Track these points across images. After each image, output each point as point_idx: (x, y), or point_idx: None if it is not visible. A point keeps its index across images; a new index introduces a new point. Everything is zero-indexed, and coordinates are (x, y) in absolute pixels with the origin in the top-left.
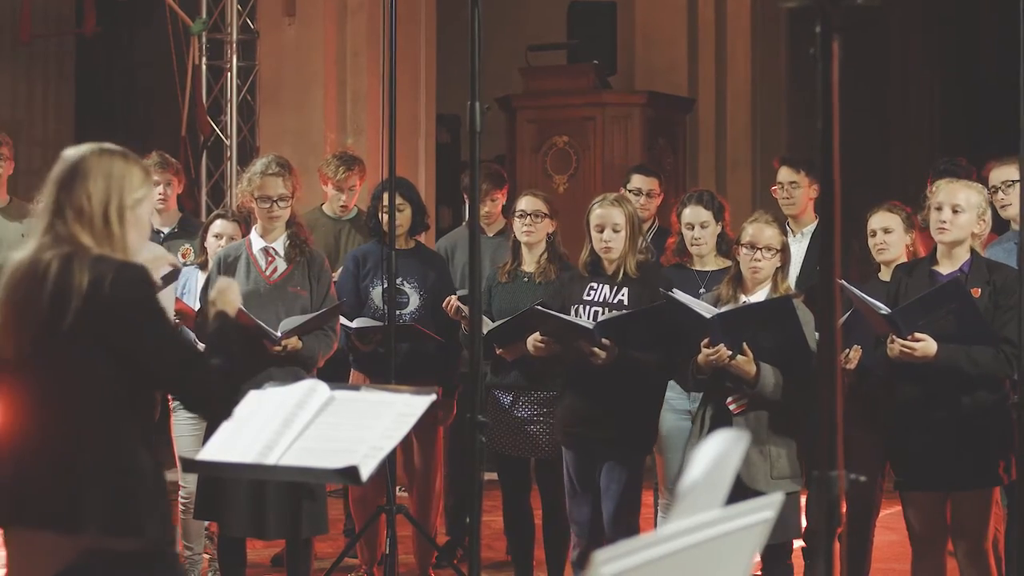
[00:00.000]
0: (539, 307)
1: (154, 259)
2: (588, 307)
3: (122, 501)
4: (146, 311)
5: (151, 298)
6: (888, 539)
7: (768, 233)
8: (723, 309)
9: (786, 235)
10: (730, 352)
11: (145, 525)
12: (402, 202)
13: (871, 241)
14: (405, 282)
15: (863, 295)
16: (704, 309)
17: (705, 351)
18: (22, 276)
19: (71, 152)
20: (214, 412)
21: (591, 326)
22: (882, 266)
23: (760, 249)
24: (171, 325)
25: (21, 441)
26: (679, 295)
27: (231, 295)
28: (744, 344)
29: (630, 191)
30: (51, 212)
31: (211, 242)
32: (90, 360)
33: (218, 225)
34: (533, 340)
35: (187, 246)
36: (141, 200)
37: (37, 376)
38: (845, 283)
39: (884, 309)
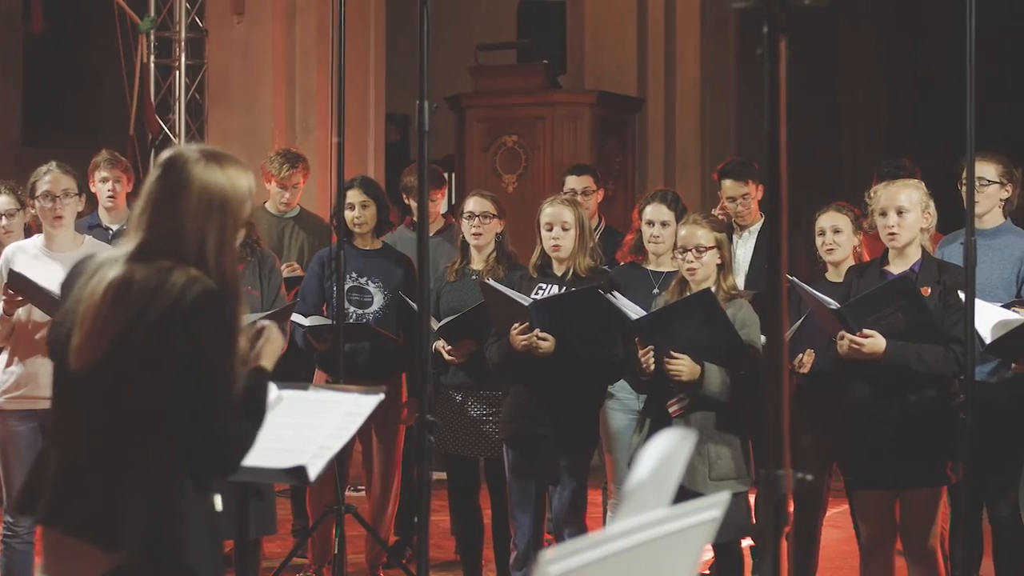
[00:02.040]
0: (486, 281)
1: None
2: None
3: (163, 526)
4: (214, 345)
5: (226, 333)
6: (835, 538)
7: (699, 233)
8: (647, 312)
9: (723, 232)
10: (654, 360)
11: (185, 553)
12: (367, 199)
13: (819, 240)
14: (370, 281)
15: (812, 291)
16: (633, 311)
17: (640, 353)
18: (112, 292)
19: (168, 158)
20: (222, 468)
21: (528, 303)
22: (829, 266)
23: (690, 251)
24: (232, 369)
25: (71, 447)
26: (614, 297)
27: (275, 348)
28: (675, 348)
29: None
30: (143, 231)
31: None
32: (152, 378)
33: None
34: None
35: None
36: (242, 225)
37: (98, 387)
38: (795, 280)
39: (833, 304)
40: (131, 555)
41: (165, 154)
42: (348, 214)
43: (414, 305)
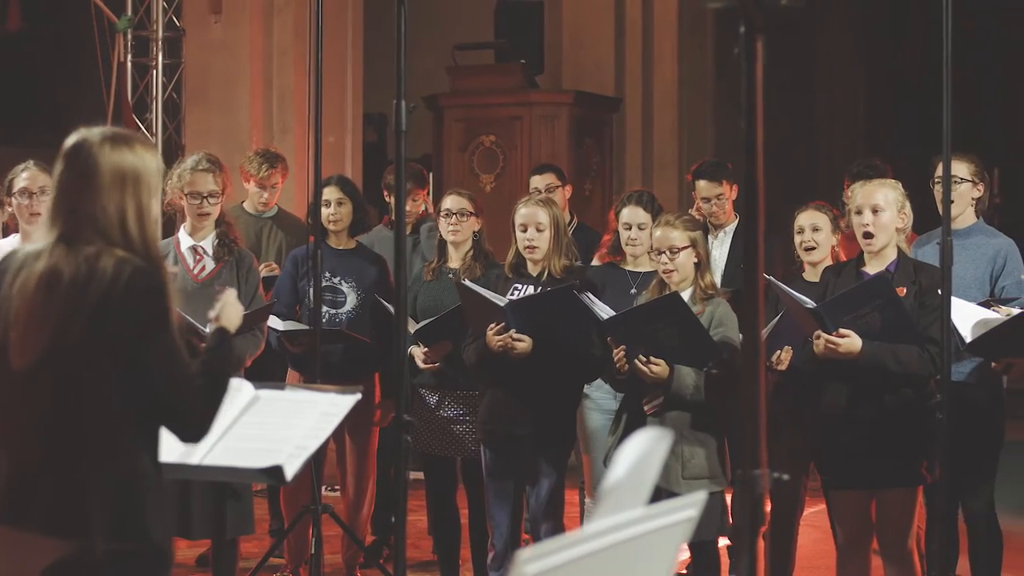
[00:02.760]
0: (462, 282)
1: None
2: None
3: (128, 508)
4: (156, 322)
5: (163, 308)
6: (812, 537)
7: (672, 235)
8: (617, 312)
9: (697, 230)
10: (626, 357)
11: (150, 530)
12: (343, 197)
13: (798, 238)
14: (343, 281)
15: (789, 290)
16: (604, 311)
17: (615, 352)
18: (42, 286)
19: (73, 146)
20: (194, 436)
21: (503, 304)
22: (807, 266)
23: (664, 252)
24: (177, 341)
25: (21, 447)
26: (585, 297)
27: (234, 312)
28: (648, 348)
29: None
30: (61, 220)
31: None
32: (98, 366)
33: None
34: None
35: None
36: (156, 194)
37: (44, 384)
38: (772, 279)
39: (809, 303)
40: (96, 540)
41: (69, 142)
42: (323, 211)
43: (389, 307)
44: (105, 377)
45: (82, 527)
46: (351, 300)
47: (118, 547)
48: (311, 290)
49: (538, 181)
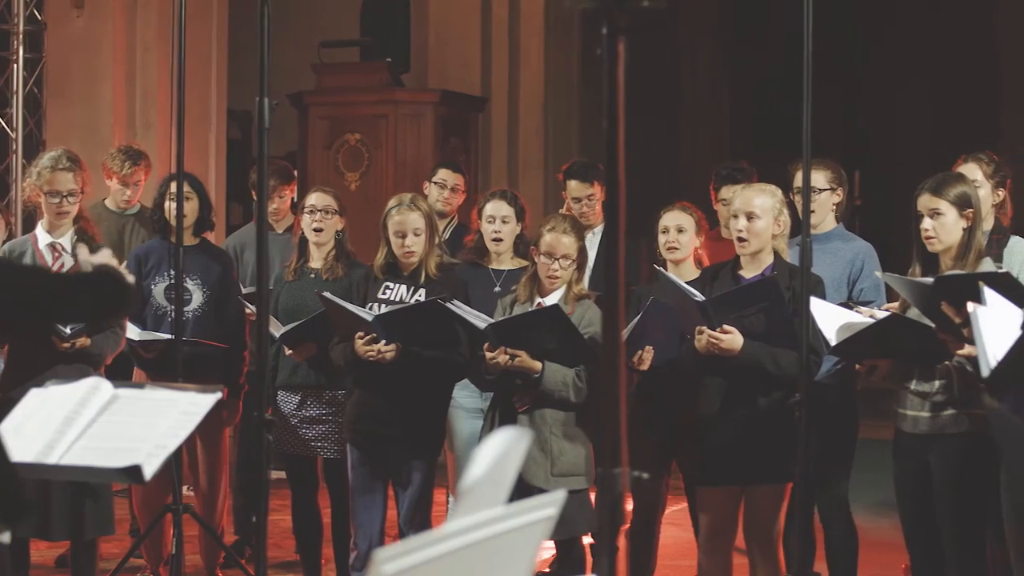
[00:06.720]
0: (325, 295)
1: None
2: (383, 306)
3: None
4: None
5: None
6: (673, 536)
7: (565, 242)
8: (497, 319)
9: (583, 237)
10: (508, 356)
11: None
12: (189, 191)
13: (661, 238)
14: (188, 279)
15: (679, 281)
16: (479, 319)
17: (488, 354)
18: None
19: None
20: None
21: (371, 318)
22: (670, 265)
23: (558, 259)
24: None
25: None
26: (456, 307)
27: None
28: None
29: (435, 183)
30: None
31: None
32: None
33: None
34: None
35: None
36: None
37: None
38: (661, 270)
39: (698, 296)
40: None
41: None
42: (168, 205)
43: (252, 307)
44: None
45: None
46: (197, 298)
47: None
48: (154, 288)
49: (447, 175)
